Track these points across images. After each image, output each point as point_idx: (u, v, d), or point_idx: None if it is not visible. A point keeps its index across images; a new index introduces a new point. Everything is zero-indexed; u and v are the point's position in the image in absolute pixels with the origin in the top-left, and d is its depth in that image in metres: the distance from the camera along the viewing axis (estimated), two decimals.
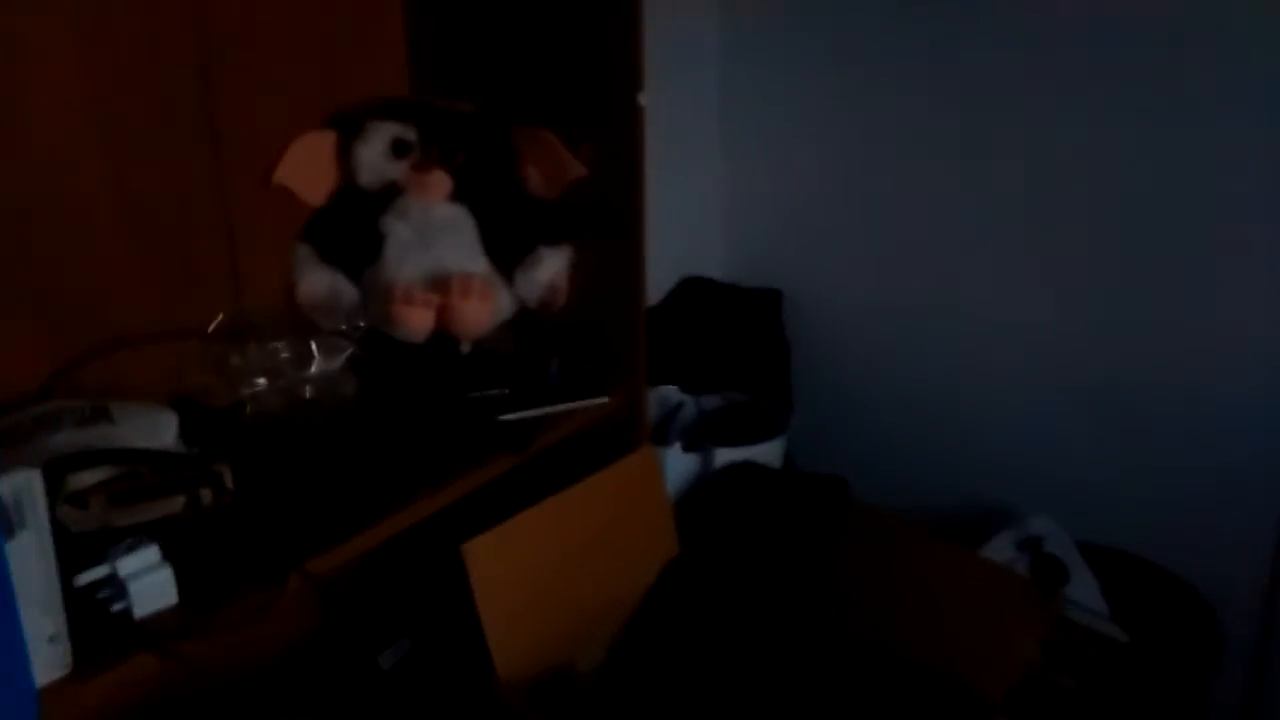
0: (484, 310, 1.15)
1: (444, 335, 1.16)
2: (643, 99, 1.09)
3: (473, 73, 1.22)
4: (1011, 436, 1.61)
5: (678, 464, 1.44)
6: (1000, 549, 1.48)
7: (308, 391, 1.11)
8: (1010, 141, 1.48)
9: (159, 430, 0.96)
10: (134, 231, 1.04)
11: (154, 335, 1.05)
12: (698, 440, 1.49)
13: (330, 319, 1.14)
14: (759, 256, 1.78)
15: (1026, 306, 1.53)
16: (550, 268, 1.18)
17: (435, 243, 1.14)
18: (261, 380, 1.07)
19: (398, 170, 1.14)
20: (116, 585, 0.81)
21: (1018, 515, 1.53)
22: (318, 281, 1.15)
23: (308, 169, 1.14)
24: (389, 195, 1.15)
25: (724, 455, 1.45)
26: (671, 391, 1.58)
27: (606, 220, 1.16)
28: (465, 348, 1.19)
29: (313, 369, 1.11)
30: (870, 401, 1.69)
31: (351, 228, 1.15)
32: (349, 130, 1.15)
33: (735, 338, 1.70)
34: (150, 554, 0.83)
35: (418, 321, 1.13)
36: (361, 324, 1.15)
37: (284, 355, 1.08)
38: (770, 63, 1.67)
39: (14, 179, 0.94)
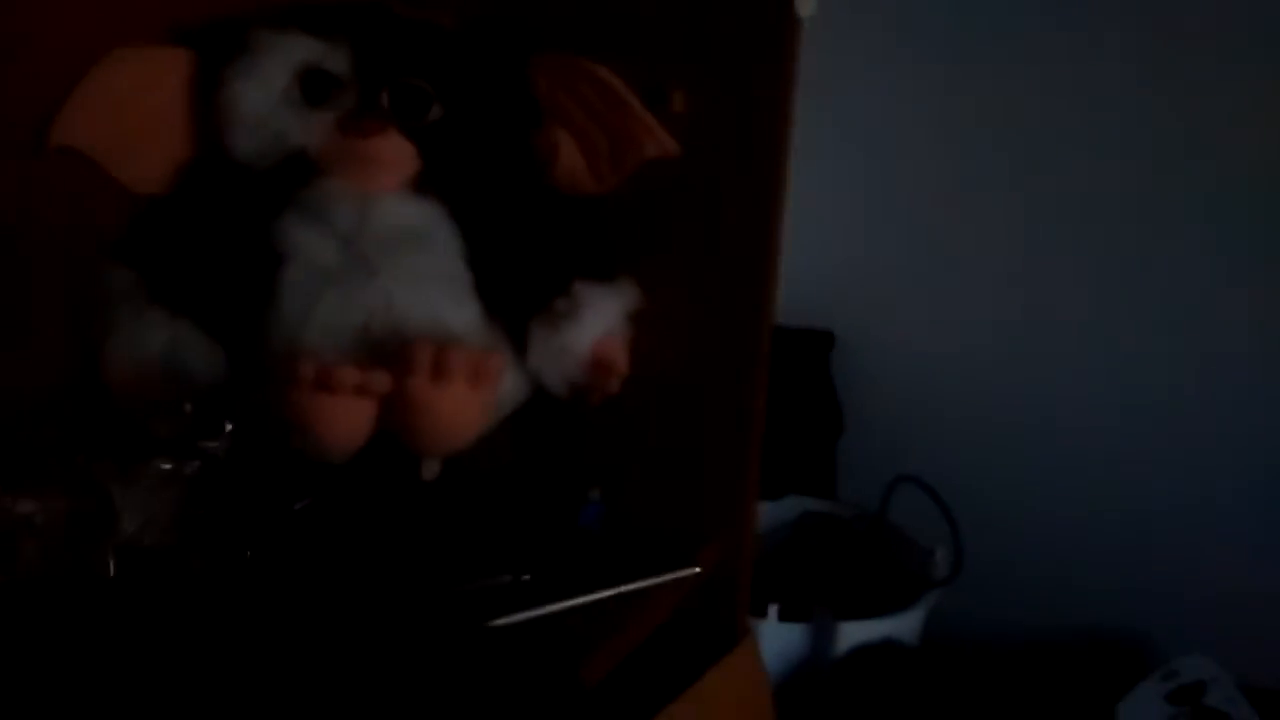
0: (472, 405, 0.59)
1: (388, 446, 0.60)
2: (803, 6, 0.55)
3: None
4: (1148, 544, 1.17)
5: (776, 641, 0.88)
6: (1147, 703, 1.05)
7: (110, 566, 0.55)
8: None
9: None
10: None
11: None
12: (801, 602, 0.93)
13: (162, 413, 0.59)
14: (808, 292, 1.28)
15: (1157, 370, 1.10)
16: (597, 323, 0.62)
17: (382, 269, 0.58)
18: None
19: (312, 128, 0.59)
20: None
21: (1162, 653, 1.15)
22: (142, 341, 0.59)
23: (126, 120, 0.59)
24: (292, 177, 0.59)
25: (850, 632, 0.90)
26: None
27: (707, 234, 0.61)
28: (430, 470, 0.64)
29: (122, 523, 0.55)
30: (947, 487, 1.15)
31: (216, 238, 0.60)
32: (216, 49, 0.60)
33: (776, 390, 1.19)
34: None
35: (342, 424, 0.57)
36: (226, 424, 0.59)
37: (51, 500, 0.52)
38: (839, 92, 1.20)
39: None
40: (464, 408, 0.59)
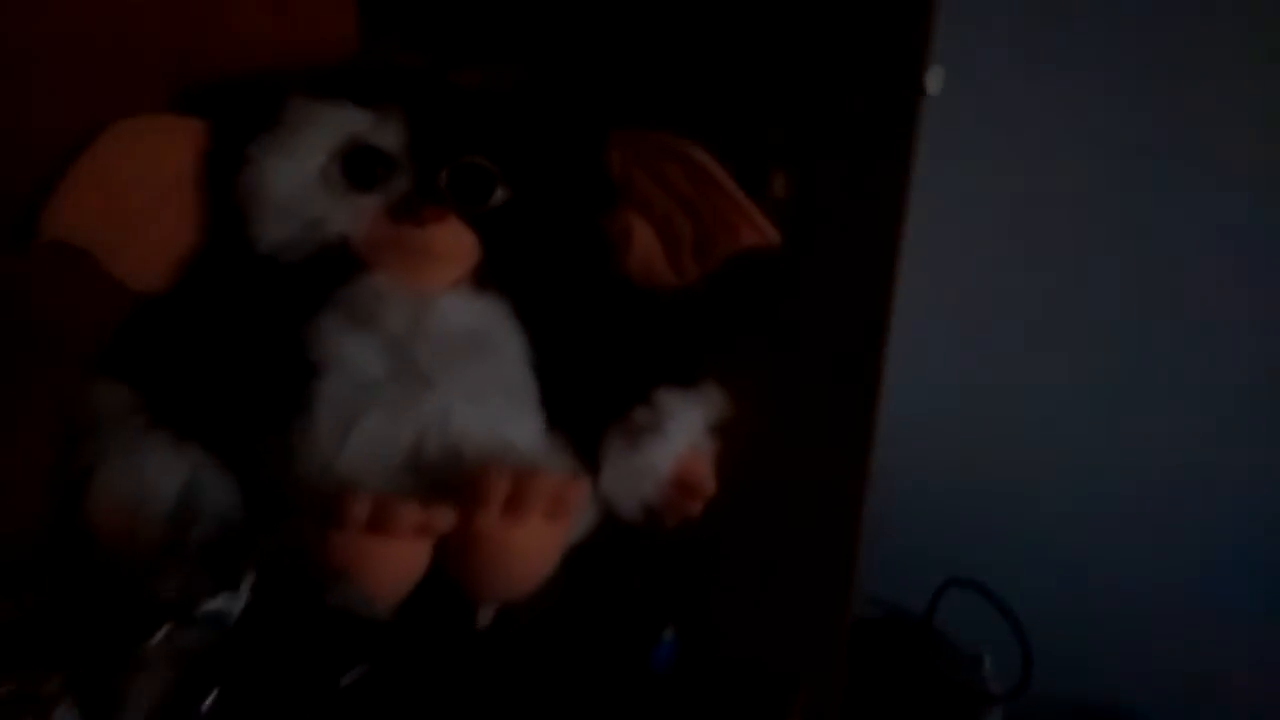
0: (548, 542, 0.50)
1: (438, 591, 0.50)
2: (933, 80, 0.49)
3: (513, 20, 0.59)
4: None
5: None
6: None
7: None
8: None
9: None
10: None
11: None
12: None
13: (165, 567, 0.47)
14: None
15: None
16: (681, 436, 0.54)
17: (438, 380, 0.49)
18: None
19: (356, 215, 0.50)
20: None
21: None
22: (140, 475, 0.48)
23: (127, 204, 0.49)
24: (330, 272, 0.50)
25: None
26: None
27: (805, 334, 0.54)
28: (485, 617, 0.54)
29: None
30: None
31: (234, 345, 0.50)
32: (238, 119, 0.50)
33: None
34: None
35: (395, 571, 0.47)
36: (245, 576, 0.48)
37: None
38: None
39: None
40: (538, 546, 0.50)
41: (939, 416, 0.99)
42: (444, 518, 0.47)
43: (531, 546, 0.49)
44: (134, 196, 0.50)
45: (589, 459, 0.53)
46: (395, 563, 0.48)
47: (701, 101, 0.52)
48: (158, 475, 0.48)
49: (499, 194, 0.52)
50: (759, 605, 0.57)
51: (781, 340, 0.54)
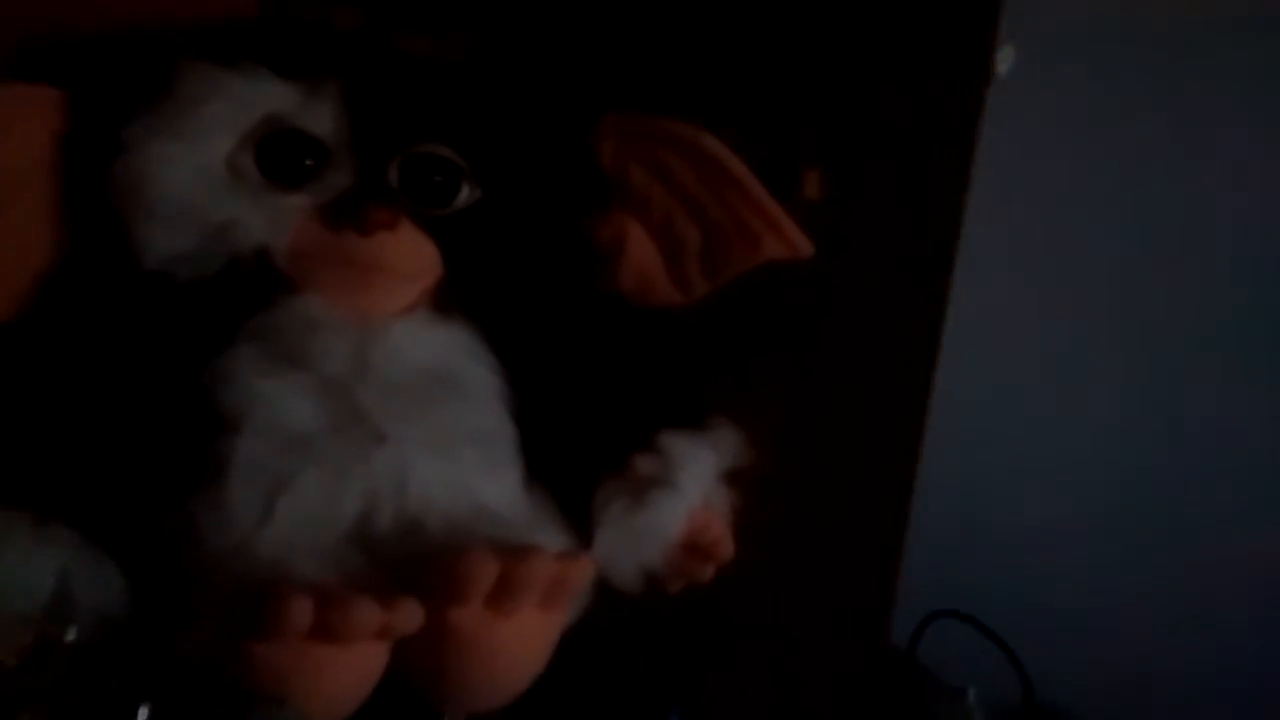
0: (540, 636, 0.39)
1: (401, 700, 0.39)
2: (1003, 61, 0.40)
3: None
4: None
5: None
6: None
7: None
8: None
9: None
10: None
11: None
12: None
13: (23, 688, 0.35)
14: None
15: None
16: (693, 491, 0.44)
17: (392, 431, 0.38)
18: None
19: (279, 220, 0.38)
20: None
21: None
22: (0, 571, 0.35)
23: None
24: (243, 294, 0.38)
25: None
26: None
27: (838, 362, 0.45)
28: None
29: None
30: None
31: (110, 391, 0.37)
32: (110, 89, 0.38)
33: None
34: None
35: (343, 683, 0.36)
36: (140, 701, 0.36)
37: None
38: None
39: None
40: (528, 641, 0.39)
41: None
42: (410, 615, 0.36)
43: (521, 643, 0.38)
44: None
45: (578, 518, 0.43)
46: (342, 674, 0.36)
47: (717, 81, 0.42)
48: (14, 569, 0.36)
49: (465, 193, 0.40)
50: (776, 683, 0.48)
51: (809, 370, 0.45)
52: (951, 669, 0.82)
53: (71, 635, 0.37)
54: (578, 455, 0.43)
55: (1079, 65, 0.68)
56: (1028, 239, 0.75)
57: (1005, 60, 0.39)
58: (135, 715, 0.36)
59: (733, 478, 0.45)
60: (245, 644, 0.35)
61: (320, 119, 0.38)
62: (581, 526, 0.43)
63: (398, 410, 0.38)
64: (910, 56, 0.41)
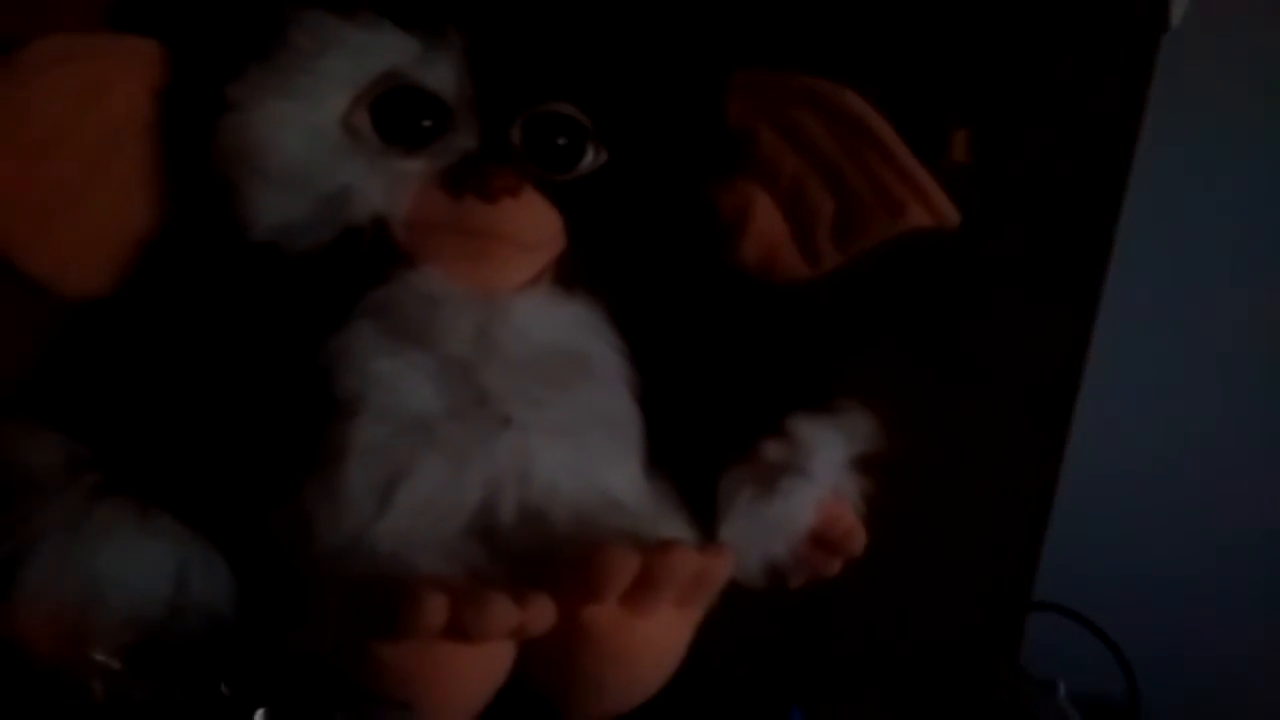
0: (676, 636, 0.36)
1: (521, 703, 0.37)
2: (1177, 9, 0.36)
3: None
4: None
5: None
6: None
7: None
8: None
9: None
10: None
11: None
12: None
13: (125, 688, 0.33)
14: None
15: None
16: (825, 479, 0.41)
17: (517, 415, 0.35)
18: None
19: (397, 186, 0.35)
20: None
21: None
22: (102, 561, 0.32)
23: (47, 170, 0.34)
24: (359, 266, 0.35)
25: None
26: None
27: (986, 338, 0.42)
28: None
29: None
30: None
31: (217, 371, 0.34)
32: (213, 43, 0.35)
33: None
34: None
35: (470, 686, 0.33)
36: (256, 704, 0.33)
37: None
38: None
39: None
40: (664, 641, 0.36)
41: None
42: (544, 613, 0.33)
43: (656, 643, 0.36)
44: (56, 158, 0.34)
45: (699, 507, 0.41)
46: (470, 676, 0.34)
47: (857, 33, 0.39)
48: (118, 560, 0.33)
49: (590, 156, 0.37)
50: (902, 681, 0.45)
51: (947, 350, 0.42)
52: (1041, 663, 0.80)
53: (180, 634, 0.35)
54: (702, 440, 0.40)
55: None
56: (1193, 211, 0.70)
57: (1180, 7, 0.36)
58: None
59: (864, 464, 0.43)
60: (370, 644, 0.32)
61: (440, 75, 0.35)
62: (703, 516, 0.41)
63: (523, 392, 0.36)
64: (1068, 7, 0.37)
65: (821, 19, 0.40)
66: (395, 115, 0.35)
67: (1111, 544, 0.86)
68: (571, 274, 0.37)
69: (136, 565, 0.34)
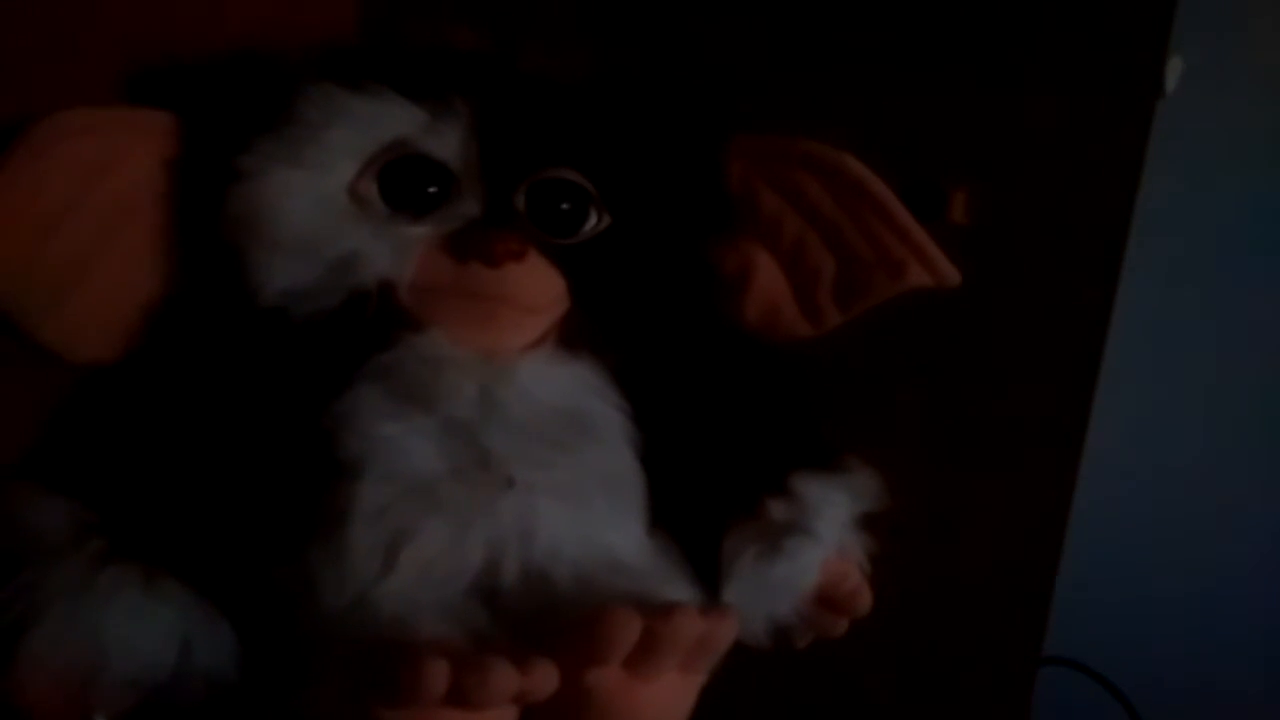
0: (679, 701, 0.36)
1: None
2: (1172, 75, 0.37)
3: None
4: None
5: None
6: None
7: None
8: None
9: None
10: None
11: None
12: None
13: None
14: None
15: None
16: (830, 539, 0.41)
17: (521, 477, 0.35)
18: None
19: (403, 251, 0.36)
20: None
21: None
22: (107, 628, 0.32)
23: (59, 239, 0.34)
24: (365, 331, 0.35)
25: None
26: None
27: (987, 397, 0.42)
28: None
29: None
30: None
31: (222, 436, 0.34)
32: (223, 113, 0.35)
33: None
34: None
35: None
36: None
37: None
38: None
39: None
40: (667, 705, 0.36)
41: None
42: (546, 678, 0.33)
43: (659, 707, 0.35)
44: (69, 230, 0.35)
45: (701, 567, 0.40)
46: None
47: (856, 97, 0.40)
48: (123, 625, 0.33)
49: (592, 220, 0.38)
50: None
51: (952, 408, 0.42)
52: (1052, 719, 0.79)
53: (183, 699, 0.34)
54: (705, 499, 0.40)
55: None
56: (1191, 269, 0.70)
57: (1174, 74, 0.36)
58: None
59: (869, 523, 0.42)
60: (372, 709, 0.32)
61: (446, 143, 0.36)
62: (707, 576, 0.41)
63: (526, 454, 0.36)
64: (1071, 66, 0.38)
65: (821, 82, 0.41)
66: (401, 183, 0.36)
67: (1121, 599, 0.85)
68: (575, 335, 0.38)
69: (141, 631, 0.34)
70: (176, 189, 0.36)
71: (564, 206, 0.37)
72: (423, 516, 0.35)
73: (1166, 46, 0.36)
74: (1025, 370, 0.41)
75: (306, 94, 0.35)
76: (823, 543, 0.40)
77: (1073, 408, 0.40)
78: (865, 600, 0.42)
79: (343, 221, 0.35)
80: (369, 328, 0.35)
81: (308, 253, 0.35)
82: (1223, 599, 0.87)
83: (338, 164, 0.35)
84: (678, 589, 0.38)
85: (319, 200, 0.35)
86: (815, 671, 0.43)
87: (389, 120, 0.35)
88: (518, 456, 0.36)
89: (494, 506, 0.35)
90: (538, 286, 0.37)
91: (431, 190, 0.36)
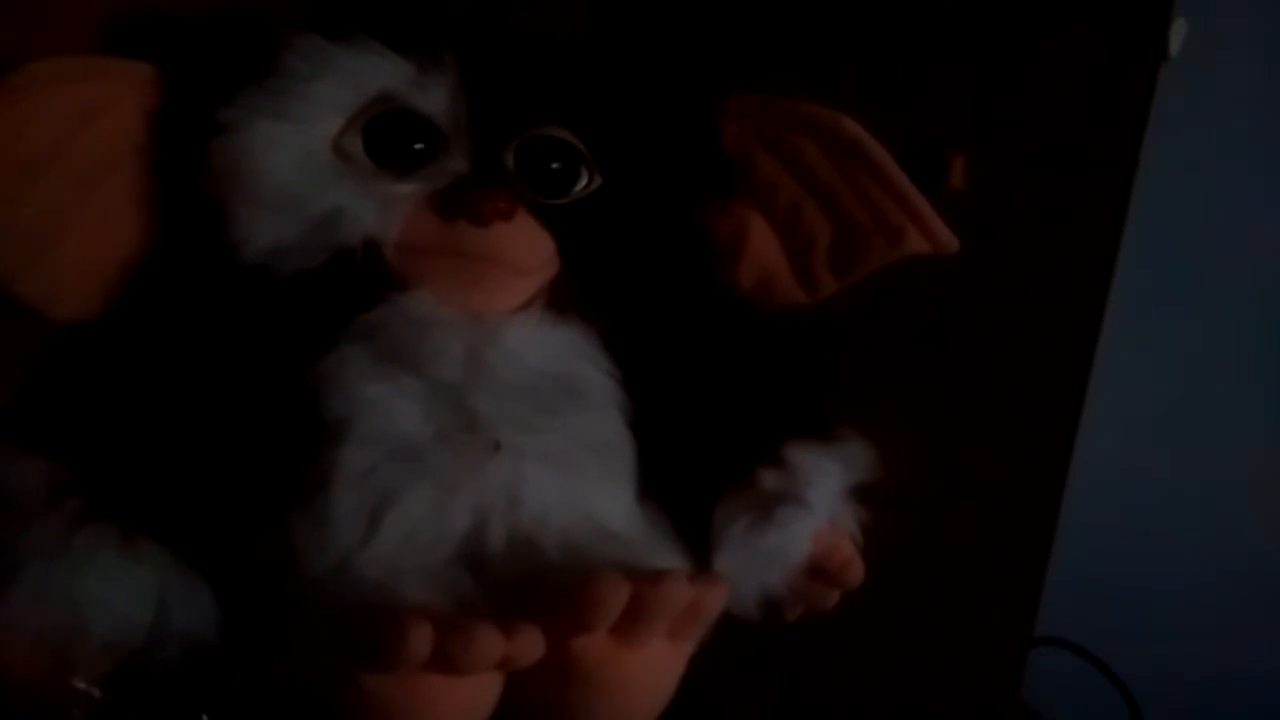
0: (667, 669, 0.35)
1: None
2: (1175, 38, 0.36)
3: None
4: None
5: None
6: None
7: None
8: None
9: None
10: None
11: None
12: None
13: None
14: None
15: None
16: (822, 509, 0.40)
17: (508, 442, 0.34)
18: None
19: (388, 209, 0.35)
20: None
21: None
22: (84, 590, 0.32)
23: (37, 193, 0.33)
24: (349, 290, 0.34)
25: None
26: None
27: (985, 366, 0.41)
28: None
29: None
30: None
31: (202, 395, 0.34)
32: (205, 66, 0.35)
33: None
34: None
35: (457, 710, 0.32)
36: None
37: None
38: None
39: None
40: (655, 674, 0.35)
41: None
42: (532, 644, 0.32)
43: (647, 676, 0.35)
44: (48, 180, 0.34)
45: (692, 536, 0.40)
46: (455, 708, 0.33)
47: (854, 58, 0.39)
48: (100, 587, 0.33)
49: (583, 180, 0.37)
50: (903, 717, 0.44)
51: (947, 377, 0.41)
52: (1045, 699, 0.78)
53: (162, 662, 0.34)
54: (696, 467, 0.39)
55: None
56: (1193, 237, 0.69)
57: (1178, 36, 0.36)
58: None
59: (861, 494, 0.42)
60: (354, 674, 0.31)
61: (434, 98, 0.35)
62: (697, 545, 0.40)
63: (514, 417, 0.35)
64: (1073, 30, 0.37)
65: (819, 43, 0.40)
66: (387, 138, 0.35)
67: (1114, 578, 0.85)
68: (564, 298, 0.37)
69: (119, 592, 0.33)
70: (157, 142, 0.35)
71: (554, 165, 0.36)
72: (407, 480, 0.34)
73: (1170, 9, 0.35)
74: (1022, 340, 0.40)
75: (291, 45, 0.34)
76: (815, 513, 0.39)
77: (1070, 378, 0.39)
78: (857, 572, 0.41)
79: (327, 177, 0.34)
80: (353, 287, 0.34)
81: (290, 209, 0.34)
82: (1217, 580, 0.87)
83: (322, 118, 0.34)
84: (667, 557, 0.37)
85: (302, 155, 0.34)
86: (805, 646, 0.43)
87: (375, 73, 0.34)
88: (505, 420, 0.35)
89: (480, 471, 0.34)
90: (526, 247, 0.36)
91: (418, 146, 0.35)
